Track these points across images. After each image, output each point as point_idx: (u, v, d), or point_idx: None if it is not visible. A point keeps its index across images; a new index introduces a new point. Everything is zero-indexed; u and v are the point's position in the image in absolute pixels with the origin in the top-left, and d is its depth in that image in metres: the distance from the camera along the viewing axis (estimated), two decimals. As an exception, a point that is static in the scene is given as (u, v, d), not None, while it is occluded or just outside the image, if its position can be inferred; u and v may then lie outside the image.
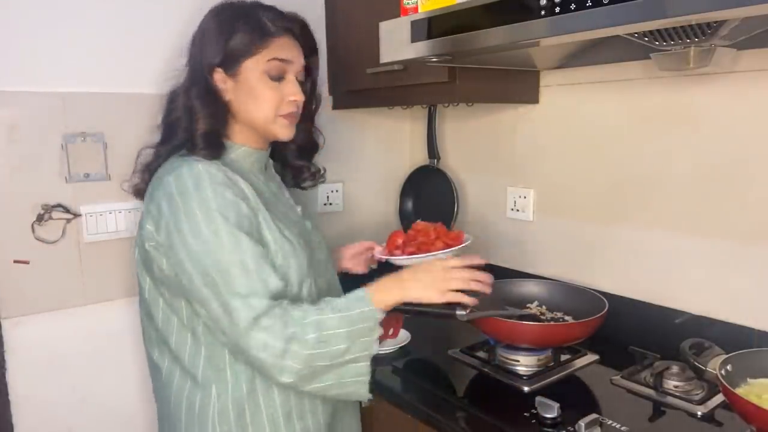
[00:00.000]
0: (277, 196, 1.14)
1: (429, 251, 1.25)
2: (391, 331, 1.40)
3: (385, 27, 1.25)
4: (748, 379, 1.04)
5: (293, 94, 1.06)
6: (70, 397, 1.41)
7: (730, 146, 1.23)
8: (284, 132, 1.09)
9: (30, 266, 1.34)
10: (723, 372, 1.00)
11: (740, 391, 0.98)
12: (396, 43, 1.22)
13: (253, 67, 1.03)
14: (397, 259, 1.28)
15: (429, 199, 1.93)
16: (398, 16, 1.22)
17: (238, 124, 1.08)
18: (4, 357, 1.32)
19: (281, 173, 1.24)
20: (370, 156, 1.95)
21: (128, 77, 1.43)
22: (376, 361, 1.33)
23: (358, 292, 1.01)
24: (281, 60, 1.04)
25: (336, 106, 1.81)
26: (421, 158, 1.94)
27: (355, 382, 0.98)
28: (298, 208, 1.18)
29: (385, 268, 1.28)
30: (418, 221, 1.35)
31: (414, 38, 1.17)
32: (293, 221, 1.11)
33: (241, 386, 1.01)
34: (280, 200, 1.14)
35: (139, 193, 1.10)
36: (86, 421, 1.44)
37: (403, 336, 1.42)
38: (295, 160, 1.22)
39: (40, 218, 1.33)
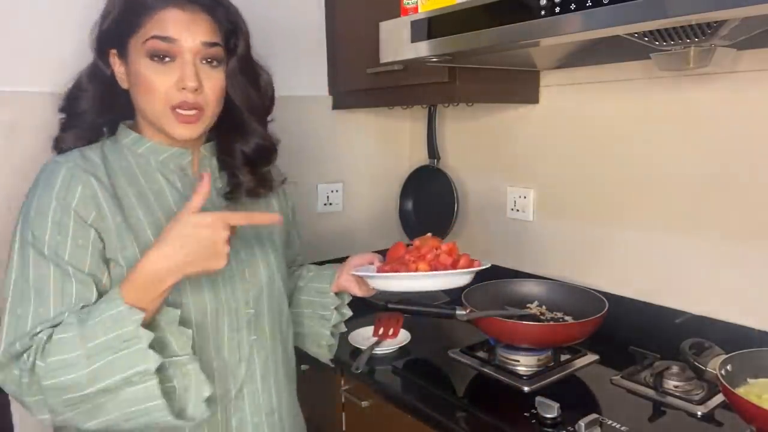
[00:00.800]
0: (182, 205, 0.86)
1: (411, 271, 1.06)
2: (391, 331, 1.40)
3: (385, 27, 1.25)
4: (748, 379, 1.03)
5: (184, 78, 0.87)
6: (70, 397, 1.41)
7: (730, 146, 1.23)
8: (179, 131, 0.90)
9: (30, 266, 1.33)
10: (723, 372, 1.00)
11: (740, 391, 0.98)
12: (396, 43, 1.22)
13: (136, 49, 0.88)
14: (372, 277, 1.09)
15: (429, 199, 1.93)
16: (398, 16, 1.22)
17: (143, 119, 0.95)
18: (4, 357, 1.33)
19: (229, 180, 1.02)
20: (370, 156, 1.95)
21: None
22: (376, 360, 1.34)
23: (112, 291, 0.80)
24: (162, 38, 0.86)
25: (336, 106, 1.81)
26: (421, 158, 1.94)
27: (147, 411, 0.77)
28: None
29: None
30: (429, 234, 1.17)
31: (414, 38, 1.17)
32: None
33: None
34: (215, 207, 0.96)
35: None
36: (86, 421, 1.44)
37: (403, 336, 1.42)
38: (237, 168, 1.00)
39: (40, 218, 1.33)
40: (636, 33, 0.99)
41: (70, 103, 0.96)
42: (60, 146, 0.95)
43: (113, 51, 0.92)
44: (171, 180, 0.95)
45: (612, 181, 1.44)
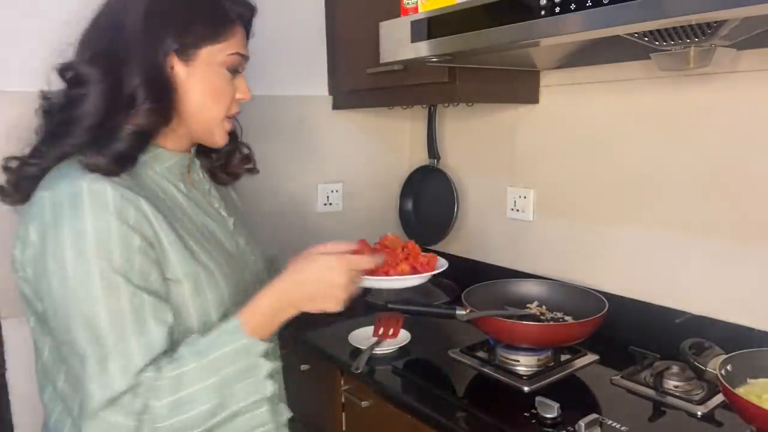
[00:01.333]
0: (201, 206, 0.94)
1: (386, 272, 1.10)
2: (391, 331, 1.40)
3: (385, 27, 1.25)
4: (748, 379, 1.03)
5: (245, 93, 0.92)
6: (70, 397, 1.41)
7: (730, 146, 1.23)
8: (222, 138, 0.92)
9: (30, 266, 1.34)
10: (723, 372, 1.00)
11: (740, 391, 0.98)
12: (396, 43, 1.22)
13: (215, 57, 0.86)
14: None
15: (429, 199, 1.93)
16: (398, 16, 1.23)
17: (179, 123, 0.89)
18: (4, 357, 1.33)
19: (210, 169, 1.03)
20: (370, 156, 1.95)
21: (24, 72, 1.39)
22: (376, 360, 1.34)
23: (231, 322, 0.80)
24: (242, 56, 0.90)
25: (336, 106, 1.81)
26: (421, 158, 1.95)
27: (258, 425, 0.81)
28: (230, 221, 0.99)
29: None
30: (388, 234, 1.22)
31: (414, 38, 1.17)
32: (217, 240, 0.93)
33: None
34: (205, 212, 0.95)
35: (5, 195, 0.87)
36: (86, 421, 1.44)
37: (403, 336, 1.42)
38: (222, 147, 0.98)
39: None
40: (636, 33, 0.99)
41: (101, 111, 0.82)
42: (89, 166, 0.80)
43: (174, 49, 0.84)
44: (178, 187, 0.91)
45: (612, 181, 1.44)
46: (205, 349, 0.77)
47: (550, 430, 1.04)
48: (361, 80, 1.58)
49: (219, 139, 0.92)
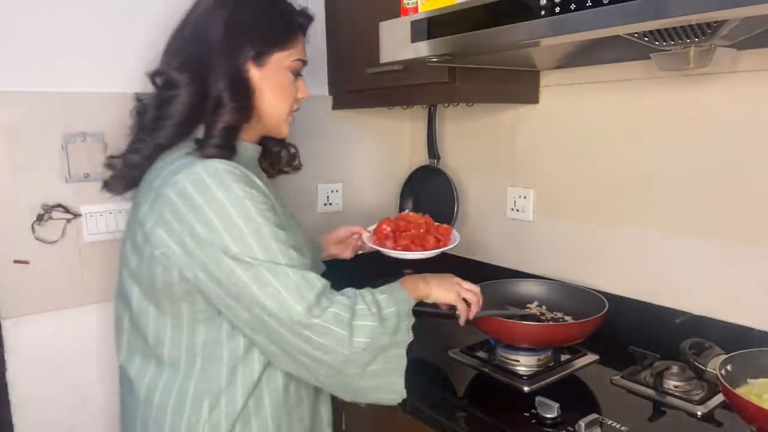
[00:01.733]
0: (273, 192, 1.08)
1: (423, 246, 1.29)
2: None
3: (385, 27, 1.25)
4: (748, 379, 1.03)
5: (304, 92, 1.08)
6: (70, 397, 1.41)
7: (730, 146, 1.23)
8: (287, 130, 1.08)
9: (30, 266, 1.34)
10: (723, 372, 1.00)
11: (740, 391, 0.98)
12: (396, 43, 1.22)
13: (282, 62, 1.01)
14: (391, 252, 1.30)
15: (429, 199, 1.93)
16: (398, 16, 1.22)
17: (251, 117, 1.02)
18: (4, 357, 1.33)
19: (263, 164, 1.18)
20: (370, 156, 1.95)
21: (128, 77, 1.42)
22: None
23: (393, 282, 1.03)
24: (304, 62, 1.05)
25: (336, 106, 1.81)
26: (421, 158, 1.94)
27: (395, 370, 0.96)
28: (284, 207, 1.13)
29: (373, 255, 1.37)
30: (407, 211, 1.35)
31: (414, 38, 1.17)
32: (290, 217, 1.09)
33: (237, 400, 0.95)
34: (277, 196, 1.09)
35: (111, 187, 1.03)
36: (86, 421, 1.44)
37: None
38: (272, 146, 1.16)
39: (40, 218, 1.33)
40: (636, 33, 0.99)
41: (203, 112, 0.96)
42: (206, 155, 0.93)
43: (251, 56, 0.97)
44: (259, 172, 1.08)
45: (612, 181, 1.44)
46: (387, 289, 0.99)
47: (550, 430, 1.04)
48: (361, 80, 1.58)
49: (284, 131, 1.08)
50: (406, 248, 1.29)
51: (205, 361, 0.95)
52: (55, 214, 1.35)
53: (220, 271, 0.87)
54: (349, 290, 0.96)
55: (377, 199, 1.98)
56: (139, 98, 1.02)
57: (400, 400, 0.98)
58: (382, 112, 1.93)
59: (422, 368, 1.35)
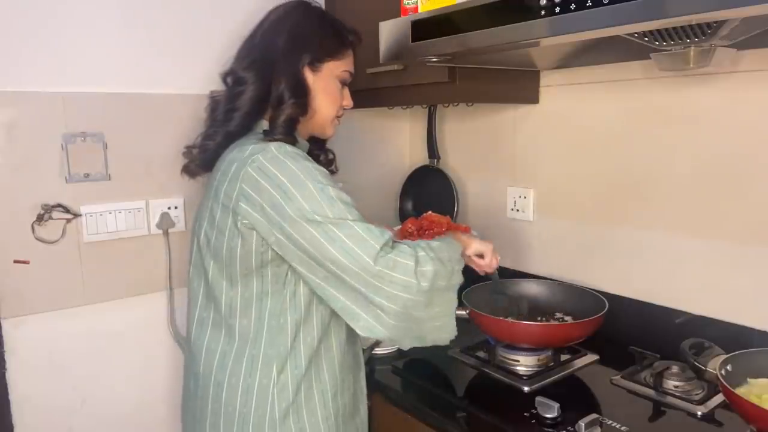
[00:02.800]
0: None
1: None
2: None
3: (385, 27, 1.25)
4: (748, 379, 1.04)
5: (349, 101, 1.20)
6: (70, 397, 1.41)
7: (730, 146, 1.23)
8: (332, 131, 1.20)
9: (30, 266, 1.34)
10: (723, 372, 1.00)
11: (740, 391, 0.98)
12: (396, 43, 1.22)
13: (333, 70, 1.14)
14: None
15: (429, 199, 1.93)
16: (398, 16, 1.23)
17: (307, 113, 1.14)
18: (4, 357, 1.33)
19: None
20: (370, 156, 1.95)
21: (129, 77, 1.43)
22: (376, 360, 1.35)
23: (450, 237, 1.13)
24: (351, 74, 1.18)
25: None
26: (421, 158, 1.94)
27: (451, 312, 1.06)
28: None
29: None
30: (429, 212, 1.37)
31: (414, 38, 1.17)
32: None
33: (301, 364, 1.05)
34: None
35: (189, 170, 1.19)
36: (86, 421, 1.44)
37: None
38: (314, 149, 1.26)
39: (40, 218, 1.33)
40: (636, 33, 0.99)
41: (273, 107, 1.09)
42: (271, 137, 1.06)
43: (308, 62, 1.11)
44: None
45: (612, 181, 1.44)
46: (440, 239, 1.09)
47: (550, 430, 1.04)
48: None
49: (329, 132, 1.20)
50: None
51: (271, 329, 1.05)
52: (55, 214, 1.35)
53: (295, 231, 0.97)
54: (407, 241, 1.04)
55: (377, 199, 1.98)
56: (212, 96, 1.17)
57: (453, 338, 1.09)
58: (382, 112, 1.93)
59: (422, 368, 1.35)
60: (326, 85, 1.14)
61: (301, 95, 1.10)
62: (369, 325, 1.00)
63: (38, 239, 1.34)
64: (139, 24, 1.42)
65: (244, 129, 1.11)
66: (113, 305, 1.45)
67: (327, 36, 1.14)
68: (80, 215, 1.39)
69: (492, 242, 1.20)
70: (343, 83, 1.18)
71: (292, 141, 1.06)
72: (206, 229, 1.07)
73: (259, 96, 1.09)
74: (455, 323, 1.07)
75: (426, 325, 1.03)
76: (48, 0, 1.31)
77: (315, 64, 1.12)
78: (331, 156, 1.33)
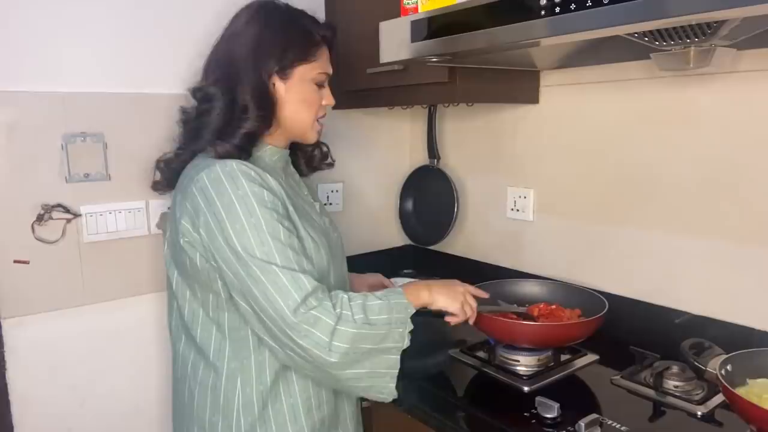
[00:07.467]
0: (296, 192, 1.16)
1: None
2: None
3: (385, 27, 1.25)
4: (748, 379, 1.04)
5: (329, 100, 1.14)
6: (70, 397, 1.41)
7: (730, 146, 1.23)
8: (315, 136, 1.15)
9: (30, 266, 1.34)
10: (723, 372, 1.00)
11: (740, 391, 0.98)
12: (396, 43, 1.22)
13: (305, 74, 1.08)
14: None
15: (429, 199, 1.93)
16: (398, 16, 1.23)
17: (279, 126, 1.10)
18: (4, 357, 1.32)
19: (297, 164, 1.26)
20: (370, 156, 1.95)
21: (128, 77, 1.43)
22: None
23: (396, 288, 1.06)
24: (327, 74, 1.12)
25: (336, 106, 1.80)
26: (421, 158, 1.95)
27: (385, 374, 1.00)
28: (317, 205, 1.20)
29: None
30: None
31: (414, 38, 1.17)
32: (313, 218, 1.13)
33: (266, 379, 1.03)
34: (300, 197, 1.16)
35: (156, 187, 1.17)
36: (86, 421, 1.44)
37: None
38: (306, 146, 1.25)
39: (40, 218, 1.33)
40: (636, 33, 0.99)
41: (230, 120, 1.05)
42: (220, 156, 1.03)
43: (276, 71, 1.06)
44: (280, 176, 1.12)
45: (612, 181, 1.44)
46: (384, 295, 1.02)
47: (550, 430, 1.04)
48: (361, 80, 1.58)
49: (311, 138, 1.15)
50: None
51: (234, 342, 1.03)
52: (55, 214, 1.35)
53: (223, 260, 0.96)
54: (341, 293, 0.98)
55: (377, 199, 1.98)
56: (183, 110, 1.14)
57: (390, 400, 1.03)
58: (382, 112, 1.93)
59: (422, 368, 1.35)
60: (299, 90, 1.08)
61: (266, 107, 1.05)
62: (294, 368, 1.02)
63: (38, 239, 1.34)
64: (139, 24, 1.42)
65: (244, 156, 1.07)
66: (113, 305, 1.45)
67: (293, 40, 1.07)
68: (80, 215, 1.39)
69: (465, 290, 1.13)
70: (320, 85, 1.12)
71: (239, 155, 1.02)
72: (168, 241, 1.08)
73: (226, 112, 1.04)
74: (393, 385, 1.01)
75: (351, 384, 0.99)
76: (48, 0, 1.31)
77: (284, 71, 1.06)
78: (325, 149, 1.29)
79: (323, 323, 0.92)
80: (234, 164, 0.99)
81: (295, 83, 1.08)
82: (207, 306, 1.03)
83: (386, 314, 0.98)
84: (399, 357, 1.00)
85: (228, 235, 0.94)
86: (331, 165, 1.32)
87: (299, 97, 1.09)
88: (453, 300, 1.10)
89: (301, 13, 1.11)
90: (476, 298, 1.36)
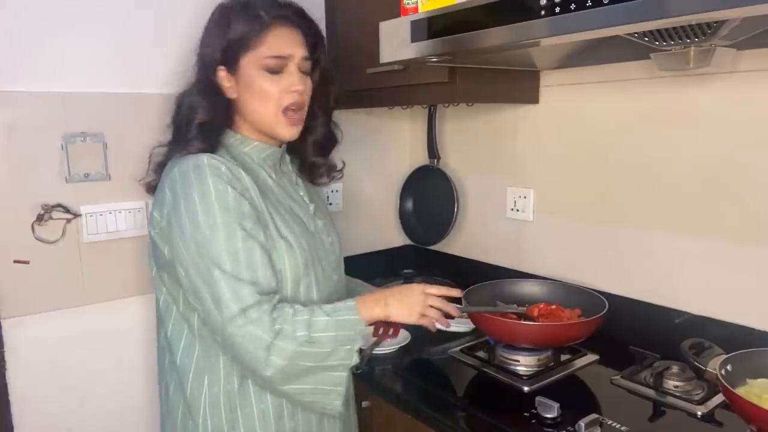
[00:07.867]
0: (287, 192, 1.12)
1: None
2: (391, 331, 1.40)
3: (385, 27, 1.25)
4: (748, 379, 1.03)
5: (293, 84, 1.03)
6: (70, 397, 1.41)
7: (730, 146, 1.23)
8: (287, 132, 1.06)
9: (30, 266, 1.34)
10: (723, 372, 1.00)
11: (740, 391, 0.98)
12: (396, 43, 1.22)
13: (252, 63, 1.01)
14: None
15: (429, 199, 1.93)
16: (398, 16, 1.22)
17: (246, 123, 1.07)
18: (4, 357, 1.33)
19: (300, 168, 1.21)
20: (370, 156, 1.95)
21: (129, 77, 1.43)
22: (376, 360, 1.35)
23: (348, 302, 1.01)
24: (277, 57, 1.01)
25: (336, 106, 1.80)
26: (421, 158, 1.95)
27: (330, 391, 0.97)
28: (311, 207, 1.16)
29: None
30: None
31: (414, 38, 1.17)
32: (299, 220, 1.09)
33: (233, 380, 1.00)
34: (291, 197, 1.12)
35: (150, 189, 1.13)
36: (86, 421, 1.44)
37: (403, 336, 1.42)
38: (311, 157, 1.19)
39: (40, 218, 1.33)
40: (636, 33, 0.99)
41: (186, 116, 1.04)
42: (189, 151, 1.01)
43: (222, 68, 1.03)
44: (270, 174, 1.10)
45: (612, 181, 1.44)
46: (329, 311, 0.97)
47: (550, 430, 1.04)
48: (361, 80, 1.57)
49: (282, 132, 1.06)
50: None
51: (204, 340, 1.01)
52: (55, 214, 1.35)
53: (177, 257, 0.96)
54: (287, 307, 0.95)
55: (377, 199, 1.98)
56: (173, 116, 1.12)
57: (336, 414, 1.03)
58: (382, 112, 1.93)
59: (422, 368, 1.35)
60: (248, 82, 1.02)
61: (212, 97, 1.03)
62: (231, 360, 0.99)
63: (38, 239, 1.34)
64: (139, 24, 1.42)
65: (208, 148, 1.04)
66: (113, 305, 1.45)
67: (235, 29, 1.00)
68: (80, 215, 1.39)
69: (426, 295, 1.05)
70: (273, 70, 1.02)
71: (205, 148, 1.00)
72: (150, 230, 1.06)
73: (188, 111, 1.04)
74: (339, 402, 0.98)
75: (291, 397, 0.98)
76: (48, 0, 1.31)
77: (229, 65, 1.02)
78: (330, 165, 1.23)
79: (258, 338, 0.90)
80: (205, 158, 0.97)
81: (244, 75, 1.02)
82: (178, 301, 1.02)
83: (333, 331, 0.94)
84: (346, 374, 0.98)
85: (184, 231, 0.94)
86: (326, 184, 1.26)
87: (251, 89, 1.02)
88: (409, 311, 1.03)
89: (242, 3, 1.04)
90: (476, 298, 1.36)
